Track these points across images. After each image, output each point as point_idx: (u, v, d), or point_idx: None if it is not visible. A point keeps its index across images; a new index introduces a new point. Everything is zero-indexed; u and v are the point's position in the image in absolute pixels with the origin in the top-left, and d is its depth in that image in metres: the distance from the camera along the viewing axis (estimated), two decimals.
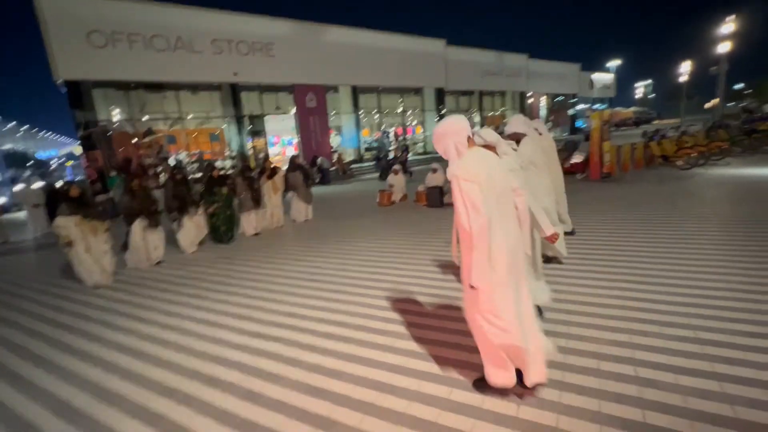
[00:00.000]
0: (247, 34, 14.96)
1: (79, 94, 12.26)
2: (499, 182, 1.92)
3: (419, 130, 23.73)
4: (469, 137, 1.97)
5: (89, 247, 4.86)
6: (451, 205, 7.86)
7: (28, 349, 3.31)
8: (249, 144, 16.34)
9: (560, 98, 33.49)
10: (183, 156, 15.48)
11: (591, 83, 37.29)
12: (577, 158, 9.84)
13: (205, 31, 13.99)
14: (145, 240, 5.51)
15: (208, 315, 3.66)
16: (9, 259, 6.88)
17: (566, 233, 4.61)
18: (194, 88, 15.34)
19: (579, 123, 35.05)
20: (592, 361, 2.36)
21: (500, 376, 2.07)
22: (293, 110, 16.88)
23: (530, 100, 29.62)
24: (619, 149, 9.67)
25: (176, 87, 14.65)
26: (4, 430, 2.30)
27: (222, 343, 3.09)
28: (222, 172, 10.94)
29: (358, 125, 19.45)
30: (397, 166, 9.33)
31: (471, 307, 2.00)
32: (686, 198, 6.53)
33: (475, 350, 2.60)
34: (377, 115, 21.05)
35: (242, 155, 15.71)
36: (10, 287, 5.16)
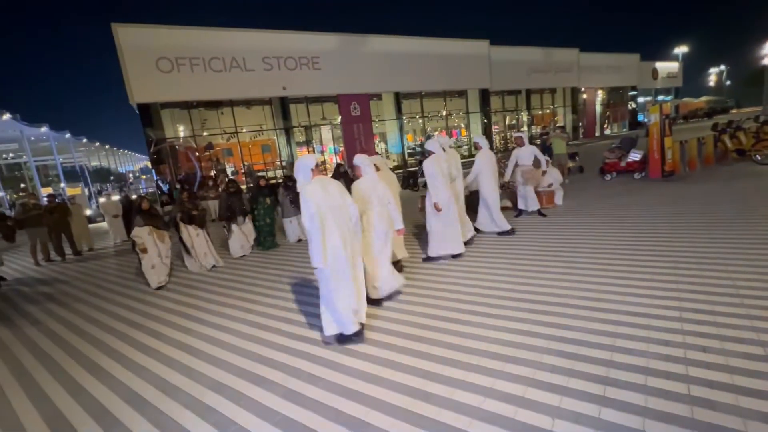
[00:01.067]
0: (295, 50, 15.75)
1: (149, 114, 13.65)
2: (335, 199, 3.02)
3: (464, 132, 23.37)
4: (312, 169, 3.01)
5: (159, 252, 5.44)
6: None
7: (105, 343, 3.75)
8: (298, 153, 17.12)
9: (621, 91, 31.30)
10: (232, 168, 16.57)
11: (654, 73, 34.42)
12: (634, 156, 9.14)
13: (256, 50, 14.96)
14: (194, 247, 6.00)
15: (255, 317, 3.91)
16: (94, 263, 7.80)
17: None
18: (248, 103, 16.41)
19: (640, 117, 32.49)
20: (640, 377, 2.21)
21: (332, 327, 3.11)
22: (339, 119, 17.43)
23: (584, 95, 28.00)
24: (684, 144, 8.84)
25: (232, 103, 15.76)
26: (84, 413, 2.63)
27: (267, 344, 3.29)
28: (271, 182, 11.51)
29: (401, 130, 19.60)
30: None
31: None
32: (762, 196, 5.83)
33: (509, 360, 2.54)
34: (421, 120, 21.05)
35: (291, 165, 16.49)
36: (94, 288, 5.86)
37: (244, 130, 16.67)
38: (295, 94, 16.27)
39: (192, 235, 5.97)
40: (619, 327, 2.77)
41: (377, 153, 14.23)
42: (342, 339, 3.09)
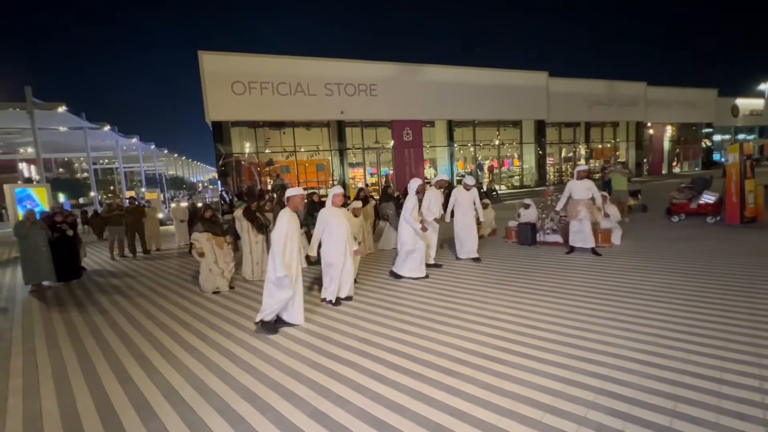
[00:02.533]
0: (354, 78, 16.51)
1: (221, 131, 14.90)
2: (295, 229, 3.98)
3: (516, 162, 22.75)
4: (289, 198, 4.04)
5: (217, 258, 5.76)
6: (545, 244, 7.29)
7: (156, 338, 4.00)
8: (350, 173, 17.65)
9: (694, 128, 28.88)
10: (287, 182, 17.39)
11: (734, 110, 31.44)
12: (707, 198, 8.27)
13: (319, 77, 15.90)
14: (251, 253, 6.29)
15: (293, 330, 3.97)
16: (159, 262, 8.47)
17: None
18: (308, 125, 17.36)
19: (716, 156, 29.64)
20: None
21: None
22: (391, 143, 17.80)
23: (650, 131, 26.18)
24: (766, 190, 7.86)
25: (293, 124, 16.75)
26: (128, 401, 2.79)
27: (300, 358, 3.31)
28: (323, 198, 11.91)
29: (452, 157, 19.54)
30: (486, 200, 9.05)
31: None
32: None
33: (539, 389, 2.32)
34: (472, 147, 20.86)
35: (343, 183, 17.00)
36: (156, 286, 6.34)
37: (302, 150, 17.56)
38: (352, 119, 16.94)
39: (252, 241, 6.30)
40: (678, 389, 2.43)
41: (444, 177, 14.41)
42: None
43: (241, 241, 6.58)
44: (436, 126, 19.66)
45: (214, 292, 5.61)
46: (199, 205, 11.55)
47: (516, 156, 22.66)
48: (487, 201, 9.01)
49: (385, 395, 2.65)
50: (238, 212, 6.45)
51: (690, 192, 8.63)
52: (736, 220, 7.51)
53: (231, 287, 5.78)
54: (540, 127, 21.54)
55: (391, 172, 18.52)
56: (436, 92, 18.14)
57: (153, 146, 35.20)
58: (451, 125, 19.22)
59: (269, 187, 15.98)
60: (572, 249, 6.46)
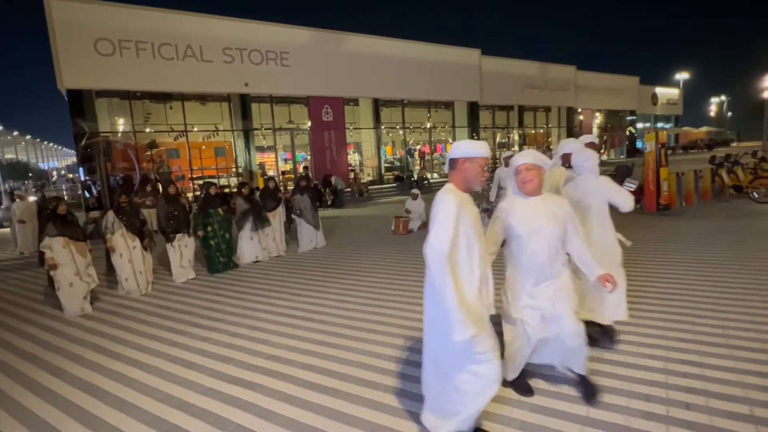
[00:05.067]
0: (261, 43, 15.80)
1: (81, 103, 13.19)
2: (472, 224, 2.19)
3: (449, 148, 23.90)
4: (455, 166, 2.30)
5: (78, 270, 5.08)
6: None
7: None
8: (257, 158, 16.95)
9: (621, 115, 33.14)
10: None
11: (654, 98, 36.75)
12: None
13: (216, 39, 14.89)
14: (131, 261, 5.74)
15: (182, 353, 3.72)
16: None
17: None
18: (202, 98, 16.21)
19: (639, 144, 34.41)
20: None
21: None
22: (308, 124, 17.46)
23: (580, 117, 29.43)
24: (681, 177, 9.38)
25: (183, 97, 15.50)
26: None
27: (192, 386, 3.12)
28: (225, 190, 11.26)
29: (379, 141, 19.82)
30: (415, 191, 9.38)
31: None
32: (760, 238, 6.21)
33: None
34: (402, 131, 21.41)
35: (250, 172, 16.27)
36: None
37: (196, 129, 16.37)
38: (259, 92, 16.23)
39: (129, 247, 5.70)
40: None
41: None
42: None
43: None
44: (361, 105, 19.76)
45: (79, 315, 4.99)
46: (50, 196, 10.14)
47: (450, 141, 23.81)
48: (416, 191, 9.35)
49: (298, 419, 2.63)
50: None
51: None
52: (653, 208, 8.84)
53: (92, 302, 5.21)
54: (473, 109, 22.88)
55: (308, 157, 18.20)
56: (360, 66, 18.18)
57: None
58: (378, 105, 19.47)
59: (153, 176, 14.68)
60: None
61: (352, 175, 17.90)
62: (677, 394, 2.58)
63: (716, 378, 2.72)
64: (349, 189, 16.94)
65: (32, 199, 9.97)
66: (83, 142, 13.30)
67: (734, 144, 42.24)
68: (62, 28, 12.48)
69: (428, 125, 22.40)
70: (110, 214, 5.75)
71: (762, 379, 2.67)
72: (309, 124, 17.41)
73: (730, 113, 55.12)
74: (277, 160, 18.16)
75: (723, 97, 52.34)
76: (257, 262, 7.09)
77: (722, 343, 3.17)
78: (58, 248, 5.03)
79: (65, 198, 8.02)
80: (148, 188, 11.86)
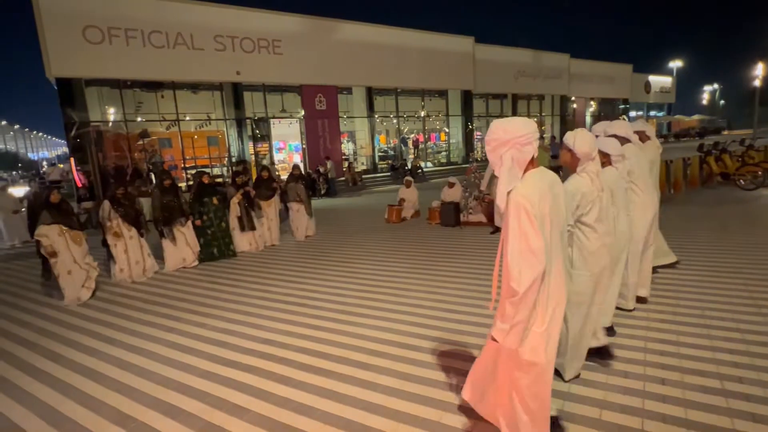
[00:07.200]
0: (253, 31, 15.61)
1: (70, 92, 13.04)
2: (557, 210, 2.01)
3: (443, 137, 23.92)
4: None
5: (74, 258, 5.13)
6: (469, 224, 7.92)
7: None
8: (250, 148, 16.86)
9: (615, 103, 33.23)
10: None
11: (647, 86, 36.82)
12: None
13: (207, 27, 14.69)
14: (126, 252, 5.79)
15: (179, 338, 3.80)
16: None
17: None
18: (194, 87, 16.06)
19: None
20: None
21: None
22: (301, 113, 17.38)
23: (574, 105, 29.48)
24: (670, 165, 9.51)
25: (174, 86, 15.35)
26: None
27: (189, 369, 3.21)
28: (217, 179, 11.20)
29: (373, 130, 19.79)
30: (409, 178, 9.45)
31: None
32: (744, 223, 6.37)
33: (458, 372, 2.62)
34: (395, 120, 21.37)
35: (243, 161, 16.20)
36: None
37: (188, 118, 16.25)
38: (252, 81, 16.10)
39: (125, 236, 5.74)
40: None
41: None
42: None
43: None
44: (354, 94, 19.66)
45: (78, 303, 5.04)
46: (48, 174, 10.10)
47: (444, 130, 23.80)
48: (410, 179, 9.42)
49: (292, 398, 2.73)
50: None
51: None
52: None
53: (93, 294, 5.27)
54: (467, 97, 22.85)
55: (303, 146, 18.14)
56: (353, 54, 18.03)
57: None
58: (371, 93, 19.38)
59: (146, 166, 14.61)
60: (497, 229, 7.13)
61: (346, 165, 17.90)
62: (654, 371, 2.71)
63: (691, 355, 2.85)
64: (343, 178, 16.95)
65: (22, 189, 9.89)
66: (73, 132, 13.18)
67: (725, 132, 42.53)
68: (49, 15, 12.26)
69: (422, 114, 22.36)
70: (106, 204, 5.78)
71: (734, 356, 2.80)
72: (302, 113, 17.33)
73: (722, 101, 55.44)
74: (271, 149, 18.08)
75: (716, 86, 52.57)
76: (252, 251, 7.13)
77: (700, 323, 3.30)
78: (54, 236, 5.06)
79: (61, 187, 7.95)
80: (137, 183, 11.78)
